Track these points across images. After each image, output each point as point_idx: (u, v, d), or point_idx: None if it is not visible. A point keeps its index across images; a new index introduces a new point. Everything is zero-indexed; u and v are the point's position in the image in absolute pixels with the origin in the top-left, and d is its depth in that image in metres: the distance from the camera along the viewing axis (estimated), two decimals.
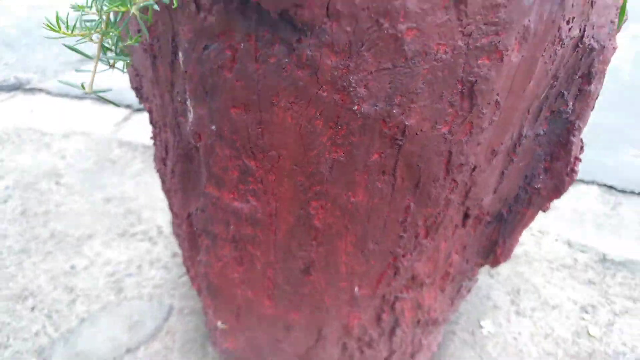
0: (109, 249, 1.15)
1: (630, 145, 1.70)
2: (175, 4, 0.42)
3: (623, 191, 1.50)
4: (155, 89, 0.62)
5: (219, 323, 0.75)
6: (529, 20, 0.47)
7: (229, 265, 0.66)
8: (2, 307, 1.01)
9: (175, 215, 0.78)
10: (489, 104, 0.52)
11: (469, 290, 0.86)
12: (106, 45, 0.52)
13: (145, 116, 1.76)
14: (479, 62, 0.48)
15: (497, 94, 0.52)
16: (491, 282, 1.10)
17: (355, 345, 0.76)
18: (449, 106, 0.51)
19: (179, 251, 1.14)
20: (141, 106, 1.87)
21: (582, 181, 1.53)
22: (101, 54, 0.53)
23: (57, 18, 0.48)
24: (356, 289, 0.67)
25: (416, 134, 0.52)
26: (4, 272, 1.09)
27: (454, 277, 0.76)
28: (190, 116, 0.56)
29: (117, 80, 2.09)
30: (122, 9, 0.43)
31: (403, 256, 0.65)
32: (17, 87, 2.09)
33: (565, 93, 0.60)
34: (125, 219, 1.24)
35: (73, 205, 1.29)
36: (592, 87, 0.60)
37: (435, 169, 0.56)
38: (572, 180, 0.65)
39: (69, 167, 1.43)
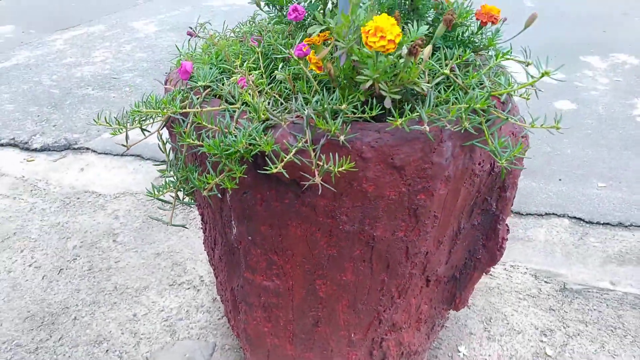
0: (162, 297, 1.44)
1: (598, 178, 1.94)
2: (230, 185, 0.70)
3: (590, 222, 1.74)
4: (209, 208, 0.91)
5: None
6: (448, 172, 0.75)
7: (260, 323, 0.95)
8: (84, 351, 1.31)
9: (220, 283, 1.07)
10: (429, 218, 0.79)
11: (442, 326, 1.12)
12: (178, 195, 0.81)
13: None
14: (418, 197, 0.76)
15: (434, 212, 0.79)
16: (468, 312, 1.36)
17: None
18: (402, 221, 0.79)
19: (217, 297, 1.43)
20: None
21: (555, 214, 1.78)
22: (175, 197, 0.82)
23: (153, 187, 0.77)
24: (352, 335, 0.95)
25: (382, 239, 0.80)
26: (82, 322, 1.39)
27: (426, 320, 1.03)
28: (234, 230, 0.85)
29: (155, 138, 2.41)
30: (193, 189, 0.72)
31: (384, 311, 0.92)
32: (67, 147, 2.42)
33: (489, 198, 0.87)
34: (173, 270, 1.53)
35: (129, 260, 1.59)
36: (508, 193, 0.87)
37: (398, 257, 0.84)
38: (501, 254, 0.92)
39: (123, 227, 1.73)
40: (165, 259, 1.58)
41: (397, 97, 0.68)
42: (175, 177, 0.78)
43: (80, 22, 4.38)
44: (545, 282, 1.47)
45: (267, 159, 0.67)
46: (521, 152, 0.70)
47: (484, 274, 0.96)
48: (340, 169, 0.65)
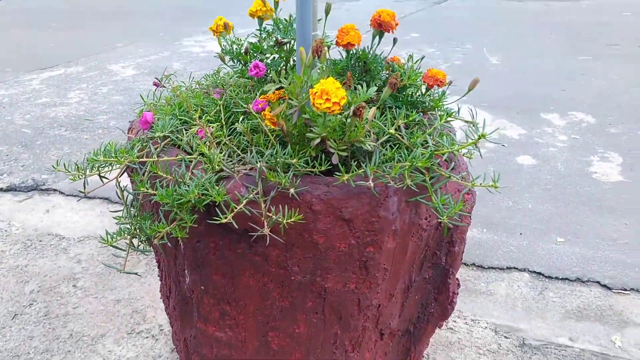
0: (119, 346, 1.41)
1: (557, 233, 2.00)
2: (180, 235, 0.71)
3: (549, 277, 1.78)
4: (164, 258, 0.91)
5: None
6: (395, 226, 0.78)
7: None
8: None
9: (174, 332, 1.05)
10: (379, 270, 0.81)
11: None
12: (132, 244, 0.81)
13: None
14: (367, 249, 0.78)
15: (384, 265, 0.81)
16: None
17: None
18: (352, 273, 0.80)
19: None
20: None
21: (516, 268, 1.81)
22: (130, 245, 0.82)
23: (107, 234, 0.78)
24: None
25: (334, 291, 0.81)
26: None
27: None
28: (187, 279, 0.85)
29: (124, 180, 2.39)
30: (148, 237, 0.73)
31: None
32: (34, 187, 2.39)
33: (438, 253, 0.90)
34: (132, 318, 1.50)
35: (88, 306, 1.55)
36: (456, 248, 0.90)
37: (350, 309, 0.85)
38: (452, 308, 0.94)
39: (84, 271, 1.70)
40: (125, 305, 1.55)
41: (345, 154, 0.72)
42: (130, 224, 0.79)
43: (59, 62, 4.42)
44: (505, 337, 1.48)
45: (217, 209, 0.69)
46: (463, 209, 0.73)
47: (437, 327, 0.98)
48: (289, 221, 0.68)
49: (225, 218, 0.67)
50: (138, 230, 0.79)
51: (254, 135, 0.84)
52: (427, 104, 0.89)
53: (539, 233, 2.01)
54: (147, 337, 1.43)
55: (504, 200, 2.23)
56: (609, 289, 1.70)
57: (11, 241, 1.88)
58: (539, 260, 1.84)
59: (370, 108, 0.72)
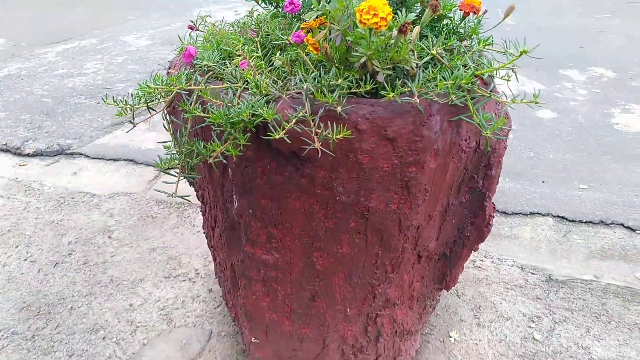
0: (158, 289, 1.47)
1: (579, 181, 2.02)
2: (234, 152, 0.75)
3: (573, 220, 1.81)
4: (209, 185, 0.95)
5: (252, 339, 1.06)
6: (437, 145, 0.80)
7: (259, 297, 0.98)
8: (81, 338, 1.32)
9: (219, 264, 1.10)
10: (420, 191, 0.85)
11: (433, 308, 1.17)
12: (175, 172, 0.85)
13: (169, 178, 2.10)
14: (409, 169, 0.81)
15: (425, 185, 0.84)
16: (458, 301, 1.41)
17: (351, 351, 1.07)
18: (394, 194, 0.84)
19: (213, 288, 1.45)
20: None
21: (539, 214, 1.84)
22: (180, 172, 0.86)
23: (160, 159, 0.81)
24: (348, 309, 0.99)
25: (376, 211, 0.85)
26: (78, 311, 1.40)
27: (418, 298, 1.07)
28: (235, 204, 0.89)
29: (147, 142, 2.46)
30: (202, 161, 0.76)
31: (378, 285, 0.97)
32: (59, 152, 2.44)
33: (476, 176, 0.93)
34: (168, 264, 1.56)
35: (125, 255, 1.61)
36: (493, 171, 0.92)
37: (391, 229, 0.88)
38: (489, 231, 0.97)
39: (118, 224, 1.76)
40: (161, 253, 1.61)
41: (389, 72, 0.74)
42: (179, 153, 0.83)
43: (72, 36, 4.43)
44: (532, 273, 1.52)
45: (270, 127, 0.72)
46: (504, 125, 0.75)
47: (473, 251, 1.01)
48: (338, 137, 0.71)
49: (278, 134, 0.70)
50: (187, 157, 0.83)
51: (293, 66, 0.86)
52: (462, 33, 0.91)
53: (561, 181, 2.02)
54: (184, 280, 1.49)
55: (526, 152, 2.24)
56: (633, 230, 1.73)
57: (44, 199, 1.94)
58: (562, 206, 1.87)
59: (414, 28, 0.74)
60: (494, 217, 0.98)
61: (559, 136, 2.38)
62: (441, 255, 1.02)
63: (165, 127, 0.89)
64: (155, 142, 2.42)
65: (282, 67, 0.86)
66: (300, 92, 0.77)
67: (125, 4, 5.67)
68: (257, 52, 0.90)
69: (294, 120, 0.72)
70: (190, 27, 1.08)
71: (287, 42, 0.90)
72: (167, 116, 0.89)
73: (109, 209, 1.85)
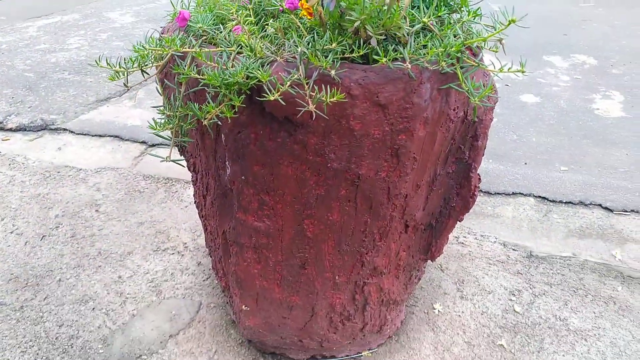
0: (147, 261, 1.47)
1: (560, 163, 2.07)
2: (229, 114, 0.76)
3: (553, 201, 1.86)
4: (202, 152, 0.96)
5: (243, 306, 1.08)
6: (426, 113, 0.82)
7: (251, 264, 1.00)
8: (70, 309, 1.33)
9: (210, 233, 1.11)
10: (409, 159, 0.87)
11: (418, 279, 1.20)
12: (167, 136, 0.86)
13: (158, 151, 2.09)
14: (399, 137, 0.83)
15: (414, 153, 0.87)
16: (442, 275, 1.45)
17: (339, 319, 1.10)
18: (384, 161, 0.86)
19: (202, 260, 1.47)
20: (155, 142, 2.20)
21: (521, 194, 1.89)
22: (172, 137, 0.87)
23: (155, 121, 0.82)
24: (337, 277, 1.01)
25: (366, 178, 0.87)
26: (67, 283, 1.40)
27: (404, 268, 1.10)
28: (228, 171, 0.90)
29: (133, 119, 2.43)
30: (194, 127, 0.77)
31: (366, 254, 0.99)
32: (43, 127, 2.41)
33: (462, 147, 0.95)
34: (157, 237, 1.57)
35: (112, 228, 1.61)
36: (479, 142, 0.95)
37: (380, 197, 0.90)
38: (474, 201, 1.00)
39: (105, 198, 1.75)
40: (149, 227, 1.61)
41: (381, 37, 0.75)
42: (173, 117, 0.83)
43: (52, 11, 4.34)
44: (513, 249, 1.57)
45: (264, 89, 0.73)
46: (491, 93, 0.78)
47: (458, 221, 1.04)
48: (331, 100, 0.72)
49: (273, 96, 0.71)
50: (181, 121, 0.83)
51: (286, 33, 0.87)
52: (453, 4, 0.92)
53: (543, 163, 2.07)
54: (172, 254, 1.50)
55: (509, 134, 2.29)
56: (610, 210, 1.78)
57: (29, 172, 1.92)
58: (544, 187, 1.91)
59: None
60: (479, 187, 1.01)
61: (542, 120, 2.42)
62: (427, 225, 1.04)
63: (158, 91, 0.90)
64: (141, 118, 2.40)
65: (275, 34, 0.87)
66: (294, 56, 0.78)
67: None
68: (250, 18, 0.90)
69: (288, 83, 0.73)
70: None
71: (281, 8, 0.91)
72: (159, 80, 0.89)
73: (95, 183, 1.85)
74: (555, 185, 1.93)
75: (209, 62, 0.77)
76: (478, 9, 0.87)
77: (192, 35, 0.87)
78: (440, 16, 0.86)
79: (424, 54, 0.76)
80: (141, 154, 2.11)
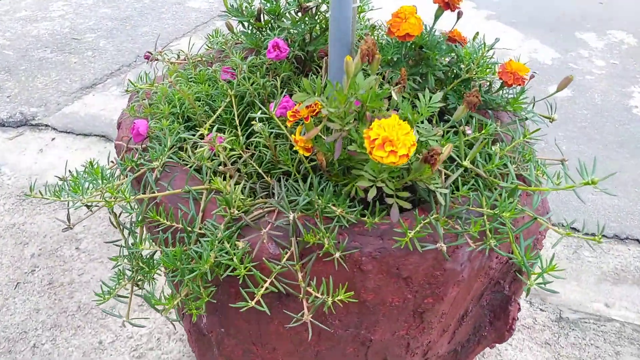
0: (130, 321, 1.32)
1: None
2: (195, 311, 0.56)
3: (586, 233, 1.66)
4: None
5: None
6: (462, 275, 0.62)
7: None
8: None
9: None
10: (436, 316, 0.68)
11: None
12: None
13: None
14: (425, 300, 0.64)
15: (442, 311, 0.67)
16: None
17: None
18: (404, 322, 0.67)
19: None
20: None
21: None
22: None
23: (102, 289, 0.63)
24: None
25: (380, 341, 0.68)
26: (42, 350, 1.27)
27: None
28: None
29: (120, 113, 2.18)
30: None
31: None
32: (23, 122, 2.19)
33: (502, 282, 0.75)
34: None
35: (94, 272, 1.45)
36: (524, 276, 0.75)
37: (397, 351, 0.73)
38: (510, 335, 0.82)
39: (87, 230, 1.58)
40: None
41: (406, 195, 0.54)
42: (131, 267, 0.64)
43: None
44: (541, 310, 1.40)
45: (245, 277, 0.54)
46: (554, 268, 0.58)
47: (489, 347, 0.87)
48: (337, 299, 0.52)
49: (257, 292, 0.52)
50: (142, 266, 0.64)
51: (277, 145, 0.66)
52: (499, 101, 0.69)
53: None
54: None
55: (537, 142, 2.04)
56: None
57: (4, 194, 1.74)
58: (572, 213, 1.71)
59: (445, 145, 0.53)
60: (517, 319, 0.82)
61: (573, 121, 2.17)
62: (450, 352, 0.87)
63: (112, 224, 0.70)
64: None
65: (262, 140, 0.66)
66: (285, 219, 0.57)
67: None
68: (227, 118, 0.68)
69: (275, 274, 0.53)
70: (147, 57, 0.85)
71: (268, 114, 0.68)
72: (114, 216, 0.69)
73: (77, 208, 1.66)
74: (588, 212, 1.72)
75: (168, 223, 0.57)
76: (530, 112, 0.65)
77: (153, 162, 0.66)
78: (485, 135, 0.64)
79: (466, 223, 0.55)
80: (116, 264, 1.91)
